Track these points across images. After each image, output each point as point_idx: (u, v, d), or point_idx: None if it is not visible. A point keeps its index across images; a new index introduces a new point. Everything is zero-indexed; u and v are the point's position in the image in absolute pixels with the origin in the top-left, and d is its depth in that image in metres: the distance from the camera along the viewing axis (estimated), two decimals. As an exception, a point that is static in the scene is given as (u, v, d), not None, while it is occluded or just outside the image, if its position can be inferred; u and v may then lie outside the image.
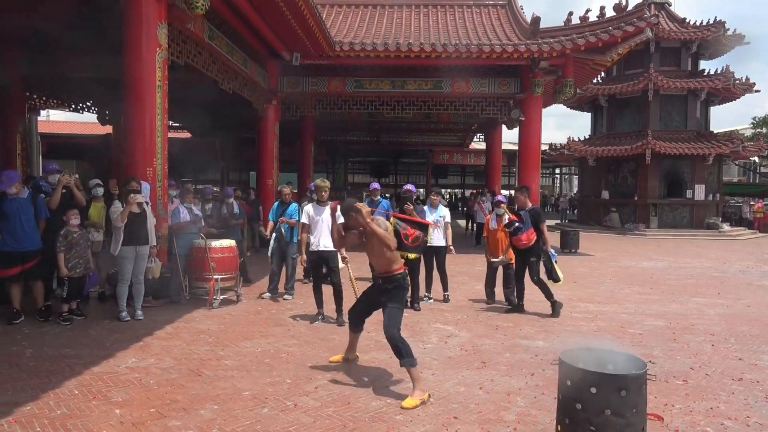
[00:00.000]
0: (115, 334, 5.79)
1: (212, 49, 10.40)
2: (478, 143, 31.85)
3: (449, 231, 7.84)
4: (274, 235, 7.90)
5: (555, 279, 7.00)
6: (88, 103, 16.34)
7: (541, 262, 7.13)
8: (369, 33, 15.42)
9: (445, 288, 7.94)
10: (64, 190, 6.72)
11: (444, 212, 7.87)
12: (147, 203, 6.75)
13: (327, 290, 6.64)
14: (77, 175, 7.57)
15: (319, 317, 6.54)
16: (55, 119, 33.54)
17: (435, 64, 14.03)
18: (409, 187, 8.23)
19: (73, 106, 16.45)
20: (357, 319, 4.79)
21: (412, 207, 7.23)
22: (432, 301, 7.81)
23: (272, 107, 14.59)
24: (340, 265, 6.49)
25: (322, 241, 6.40)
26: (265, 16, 11.05)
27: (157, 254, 6.97)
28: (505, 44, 13.66)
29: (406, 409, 3.93)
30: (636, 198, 23.10)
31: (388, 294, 4.43)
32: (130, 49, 7.71)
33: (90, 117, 17.31)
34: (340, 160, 30.06)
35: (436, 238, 7.59)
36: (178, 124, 23.02)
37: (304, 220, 6.58)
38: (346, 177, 30.17)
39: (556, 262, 7.04)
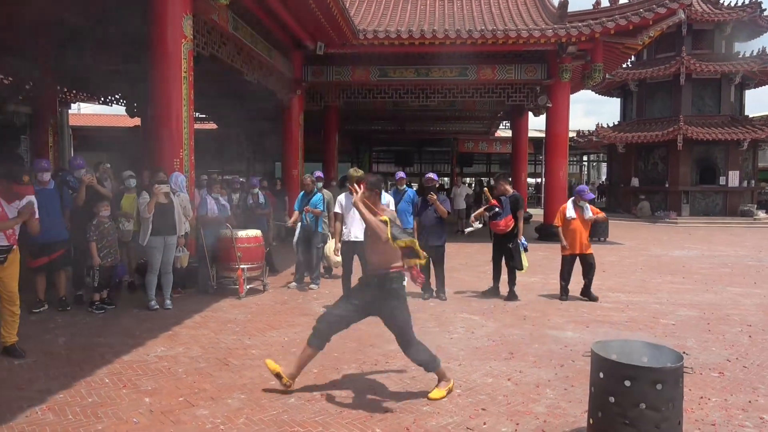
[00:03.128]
0: (145, 323, 5.88)
1: (236, 39, 10.41)
2: (503, 131, 31.43)
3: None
4: (299, 224, 7.91)
5: (518, 267, 7.16)
6: (117, 96, 16.57)
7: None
8: (393, 21, 15.26)
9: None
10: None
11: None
12: (174, 193, 6.80)
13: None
14: (97, 175, 7.60)
15: (346, 307, 6.52)
16: (85, 112, 34.18)
17: (460, 50, 13.83)
18: (431, 175, 8.01)
19: (102, 99, 16.72)
20: (327, 333, 4.02)
21: (435, 196, 7.11)
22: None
23: (296, 97, 14.58)
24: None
25: (354, 231, 6.36)
26: (288, 5, 11.01)
27: (185, 244, 7.04)
28: (531, 29, 13.37)
29: (433, 400, 3.89)
30: (667, 185, 22.55)
31: (387, 297, 3.88)
32: (156, 41, 7.76)
33: (119, 109, 17.57)
34: (365, 149, 29.97)
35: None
36: (203, 116, 23.24)
37: (336, 209, 6.56)
38: (370, 166, 30.07)
39: (525, 251, 7.22)
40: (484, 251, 11.77)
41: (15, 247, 4.79)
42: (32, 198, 5.00)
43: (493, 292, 7.44)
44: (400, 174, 9.51)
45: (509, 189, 7.43)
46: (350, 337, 5.44)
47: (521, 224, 7.27)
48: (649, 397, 2.83)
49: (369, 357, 4.84)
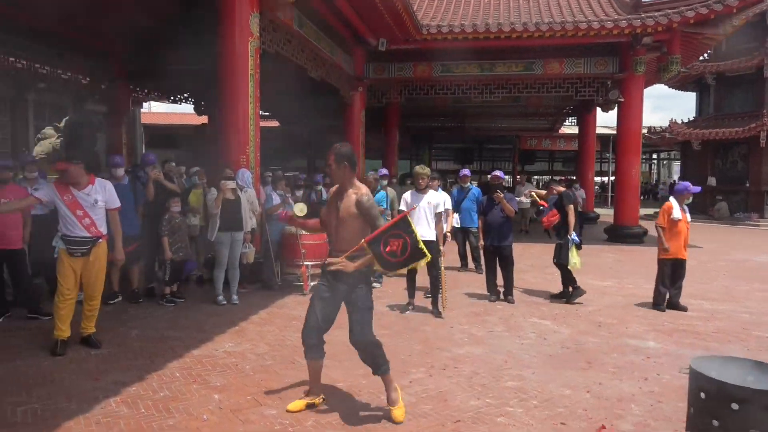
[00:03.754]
0: (213, 317, 5.95)
1: (301, 36, 10.46)
2: (567, 127, 30.41)
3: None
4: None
5: (564, 262, 6.84)
6: (186, 95, 17.11)
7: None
8: (456, 15, 14.97)
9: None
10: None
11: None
12: (241, 189, 6.86)
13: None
14: (160, 170, 7.74)
15: (410, 307, 6.39)
16: (156, 111, 35.64)
17: (526, 44, 13.41)
18: (498, 173, 7.54)
19: (172, 98, 17.30)
20: (317, 338, 3.66)
21: (501, 195, 6.78)
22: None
23: (358, 94, 14.56)
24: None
25: (421, 230, 6.17)
26: (352, 1, 10.97)
27: (251, 240, 7.10)
28: (603, 20, 12.76)
29: (399, 423, 3.45)
30: (747, 185, 21.09)
31: (353, 285, 3.48)
32: (225, 39, 7.86)
33: (187, 108, 18.14)
34: (424, 146, 29.78)
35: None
36: (267, 113, 23.66)
37: (402, 207, 6.40)
38: (429, 164, 29.80)
39: (578, 248, 6.88)
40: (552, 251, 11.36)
41: (101, 240, 4.80)
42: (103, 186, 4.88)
43: (564, 294, 7.09)
44: (465, 171, 9.30)
45: (560, 189, 7.31)
46: (416, 338, 5.31)
47: (571, 219, 6.84)
48: (761, 423, 2.53)
49: (437, 360, 4.67)
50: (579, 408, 3.76)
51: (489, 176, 7.67)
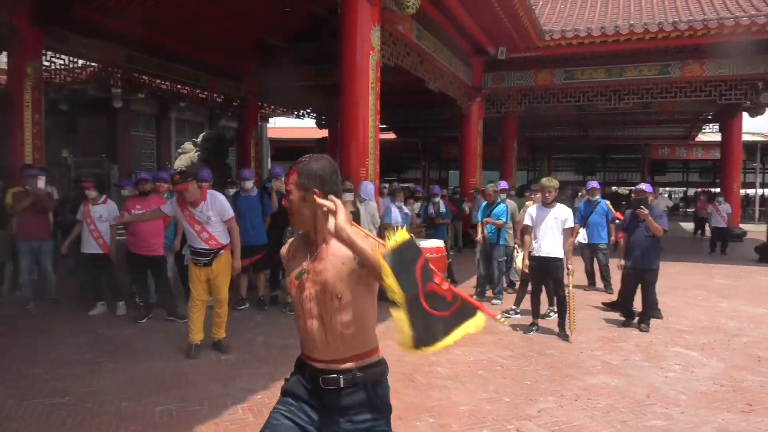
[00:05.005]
0: (332, 328, 5.99)
1: (420, 49, 10.46)
2: (705, 134, 27.73)
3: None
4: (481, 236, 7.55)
5: None
6: (308, 110, 17.90)
7: None
8: (581, 18, 14.20)
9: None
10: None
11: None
12: (361, 202, 6.91)
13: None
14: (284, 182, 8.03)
15: (534, 328, 6.01)
16: (280, 125, 37.74)
17: (662, 45, 12.37)
18: (643, 186, 6.62)
19: (295, 113, 18.19)
20: None
21: (646, 211, 6.09)
22: (519, 315, 6.60)
23: (476, 104, 14.30)
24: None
25: (545, 246, 5.80)
26: (471, 11, 10.79)
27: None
28: (753, 15, 11.42)
29: None
30: None
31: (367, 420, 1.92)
32: (346, 53, 8.01)
33: (309, 122, 18.97)
34: (542, 157, 28.67)
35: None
36: (384, 126, 24.08)
37: (526, 221, 6.04)
38: (549, 174, 28.69)
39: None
40: (694, 271, 10.30)
41: (223, 251, 4.99)
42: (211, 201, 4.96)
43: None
44: (593, 183, 8.70)
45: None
46: (542, 363, 4.97)
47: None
48: None
49: (567, 389, 4.30)
50: (743, 459, 3.24)
51: (633, 190, 6.99)
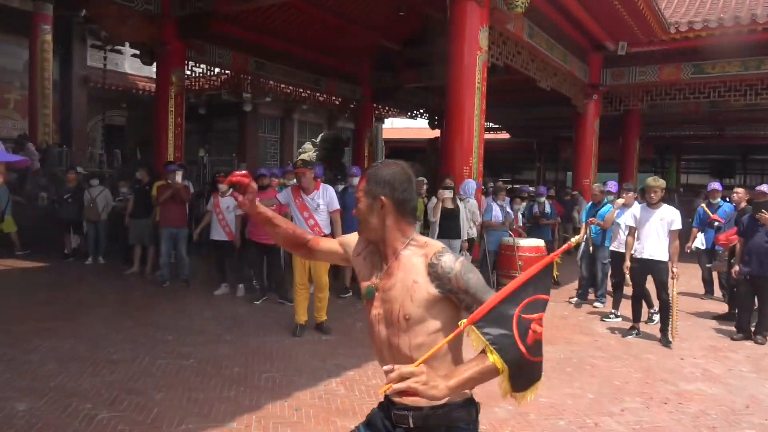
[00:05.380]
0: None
1: (531, 47, 10.36)
2: None
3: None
4: (584, 237, 7.40)
5: None
6: (421, 110, 18.31)
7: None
8: (712, 7, 13.13)
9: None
10: None
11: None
12: (461, 199, 7.10)
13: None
14: None
15: (634, 332, 5.83)
16: (398, 126, 38.63)
17: (810, 33, 11.12)
18: (764, 188, 6.34)
19: (409, 114, 18.68)
20: None
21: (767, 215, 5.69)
22: (620, 319, 6.40)
23: (592, 102, 13.77)
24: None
25: (648, 248, 5.61)
26: (587, 5, 10.47)
27: (469, 249, 7.28)
28: None
29: None
30: None
31: None
32: (454, 54, 8.19)
33: (422, 122, 19.38)
34: (671, 158, 26.64)
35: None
36: (497, 126, 23.86)
37: (630, 222, 5.89)
38: (678, 177, 26.58)
39: None
40: None
41: None
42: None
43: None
44: (714, 185, 8.17)
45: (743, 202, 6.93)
46: (636, 366, 4.86)
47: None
48: None
49: (658, 392, 4.20)
50: None
51: (754, 191, 6.52)
